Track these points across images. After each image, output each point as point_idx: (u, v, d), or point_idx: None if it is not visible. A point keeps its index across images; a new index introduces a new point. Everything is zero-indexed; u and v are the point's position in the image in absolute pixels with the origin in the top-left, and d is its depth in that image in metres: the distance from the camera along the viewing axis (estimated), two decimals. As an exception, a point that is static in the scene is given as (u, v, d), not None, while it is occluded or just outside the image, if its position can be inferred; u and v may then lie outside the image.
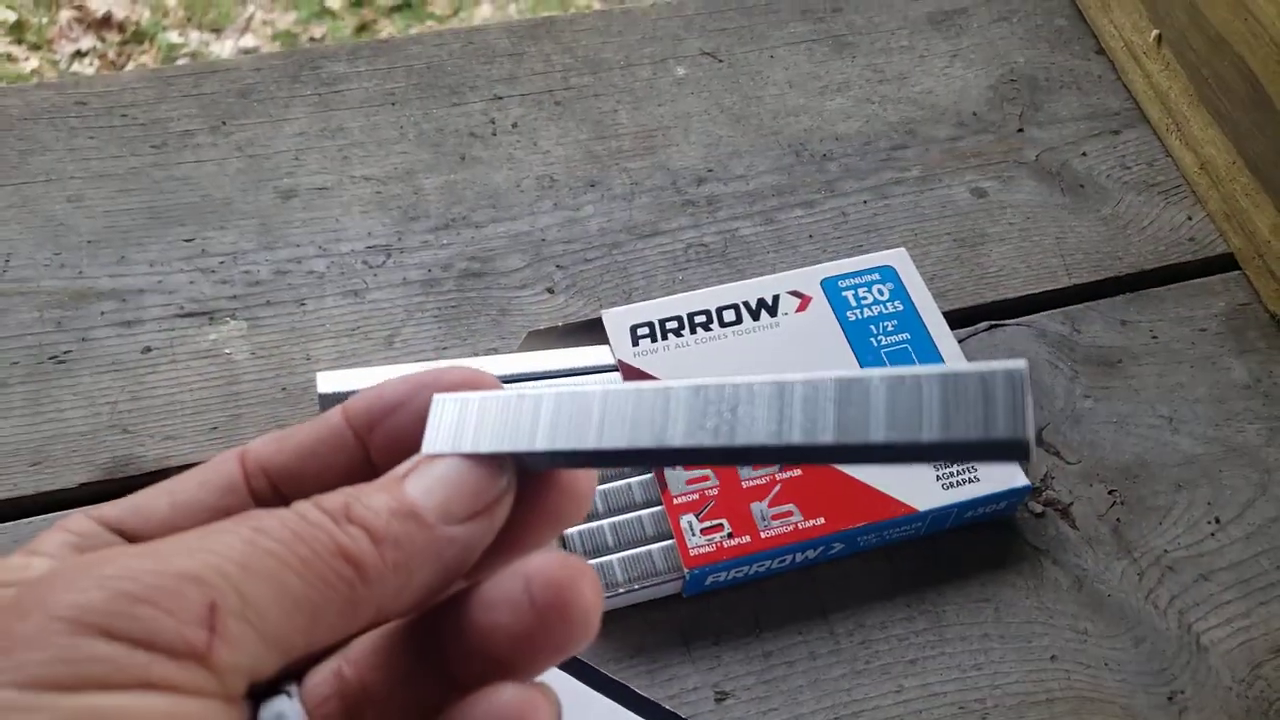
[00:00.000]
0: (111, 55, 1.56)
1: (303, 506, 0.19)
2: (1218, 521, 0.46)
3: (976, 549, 0.45)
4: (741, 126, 0.58)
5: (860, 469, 0.43)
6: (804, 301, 0.48)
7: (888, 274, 0.49)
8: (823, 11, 0.64)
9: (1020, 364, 0.17)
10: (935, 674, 0.42)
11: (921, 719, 0.41)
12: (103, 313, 0.49)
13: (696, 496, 0.43)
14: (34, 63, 1.54)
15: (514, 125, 0.58)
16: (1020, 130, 0.59)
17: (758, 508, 0.42)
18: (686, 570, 0.41)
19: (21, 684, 0.16)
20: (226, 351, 0.49)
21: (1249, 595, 0.44)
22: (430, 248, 0.53)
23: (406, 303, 0.51)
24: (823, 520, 0.42)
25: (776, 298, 0.48)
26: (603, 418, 0.20)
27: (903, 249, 0.50)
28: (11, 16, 1.57)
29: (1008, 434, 0.17)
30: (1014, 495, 0.44)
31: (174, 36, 1.58)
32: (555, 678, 0.39)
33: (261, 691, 0.20)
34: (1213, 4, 0.54)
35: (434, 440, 0.21)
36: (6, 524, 0.44)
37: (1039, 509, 0.46)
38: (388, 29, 1.62)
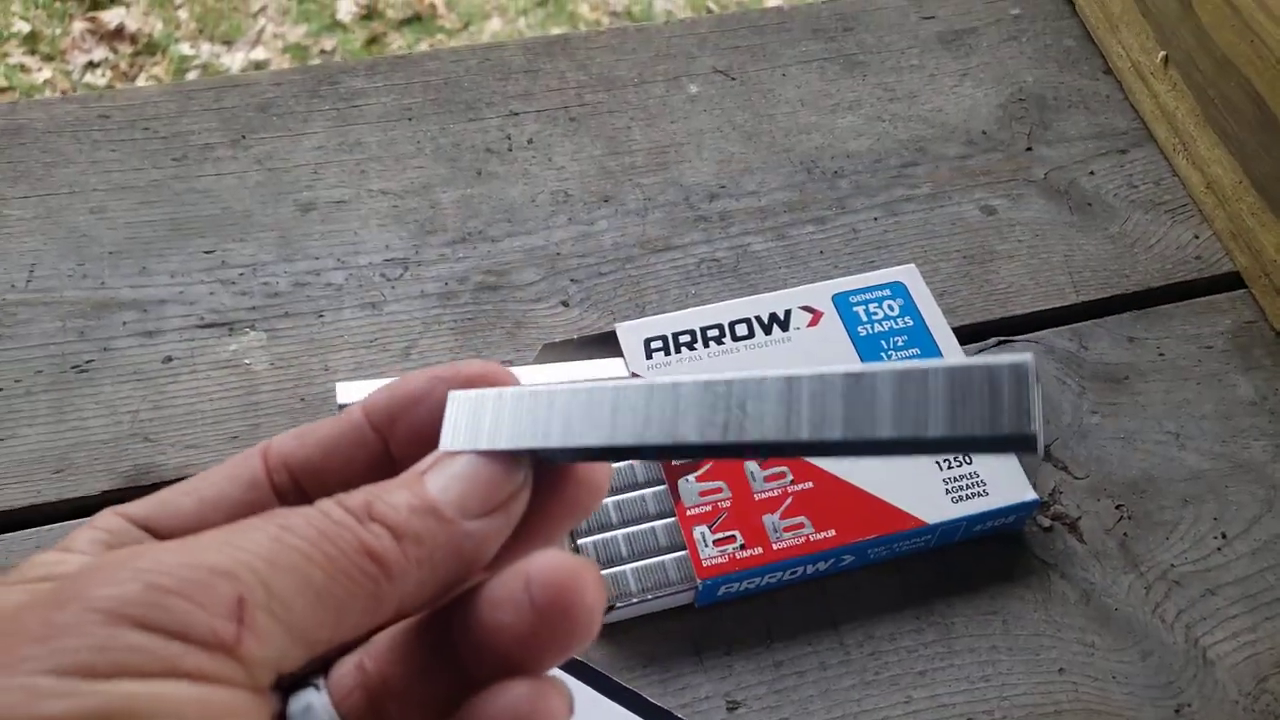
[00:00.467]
0: (124, 66, 1.58)
1: (327, 505, 0.20)
2: (1224, 537, 0.47)
3: (985, 562, 0.45)
4: (753, 143, 0.59)
5: (870, 480, 0.44)
6: (815, 317, 0.49)
7: (898, 290, 0.50)
8: (834, 31, 0.65)
9: (1027, 357, 0.17)
10: (944, 685, 0.42)
11: (931, 730, 0.41)
12: (124, 323, 0.50)
13: (709, 508, 0.43)
14: (47, 73, 1.55)
15: (529, 141, 0.58)
16: (1029, 149, 0.60)
17: (770, 520, 0.43)
18: (699, 581, 0.42)
19: (59, 671, 0.16)
20: (246, 362, 0.50)
21: (1255, 610, 0.45)
22: (447, 261, 0.53)
23: (423, 315, 0.52)
24: (834, 532, 0.43)
25: (788, 312, 0.49)
26: (615, 413, 0.20)
27: (913, 265, 0.51)
28: (26, 28, 1.59)
29: (1014, 427, 0.16)
30: (1022, 509, 0.44)
31: (186, 48, 1.60)
32: (568, 685, 0.39)
33: (291, 684, 0.21)
34: (1219, 26, 0.55)
35: (451, 437, 0.22)
36: (30, 530, 0.44)
37: (1047, 523, 0.47)
38: (398, 42, 1.63)
